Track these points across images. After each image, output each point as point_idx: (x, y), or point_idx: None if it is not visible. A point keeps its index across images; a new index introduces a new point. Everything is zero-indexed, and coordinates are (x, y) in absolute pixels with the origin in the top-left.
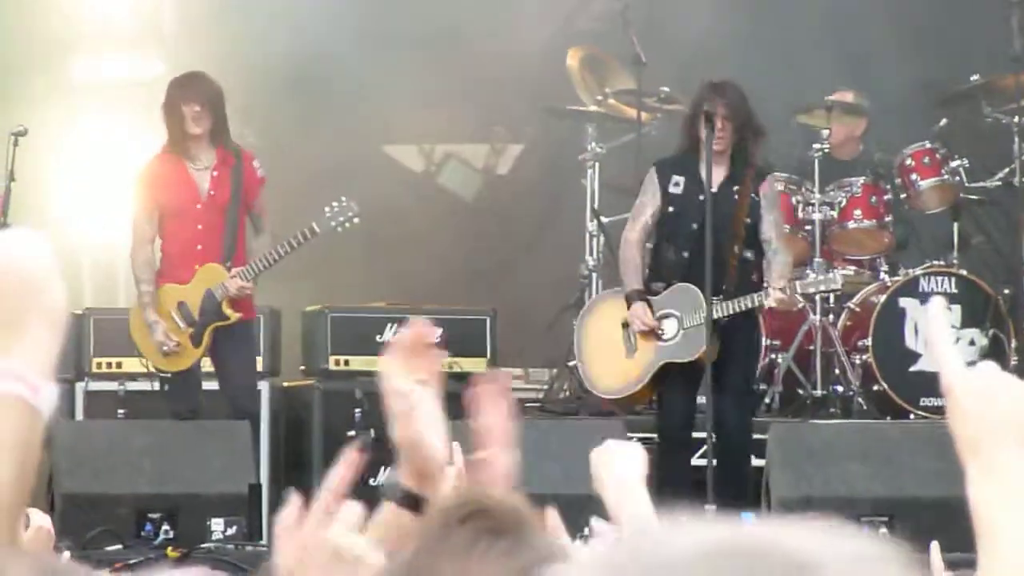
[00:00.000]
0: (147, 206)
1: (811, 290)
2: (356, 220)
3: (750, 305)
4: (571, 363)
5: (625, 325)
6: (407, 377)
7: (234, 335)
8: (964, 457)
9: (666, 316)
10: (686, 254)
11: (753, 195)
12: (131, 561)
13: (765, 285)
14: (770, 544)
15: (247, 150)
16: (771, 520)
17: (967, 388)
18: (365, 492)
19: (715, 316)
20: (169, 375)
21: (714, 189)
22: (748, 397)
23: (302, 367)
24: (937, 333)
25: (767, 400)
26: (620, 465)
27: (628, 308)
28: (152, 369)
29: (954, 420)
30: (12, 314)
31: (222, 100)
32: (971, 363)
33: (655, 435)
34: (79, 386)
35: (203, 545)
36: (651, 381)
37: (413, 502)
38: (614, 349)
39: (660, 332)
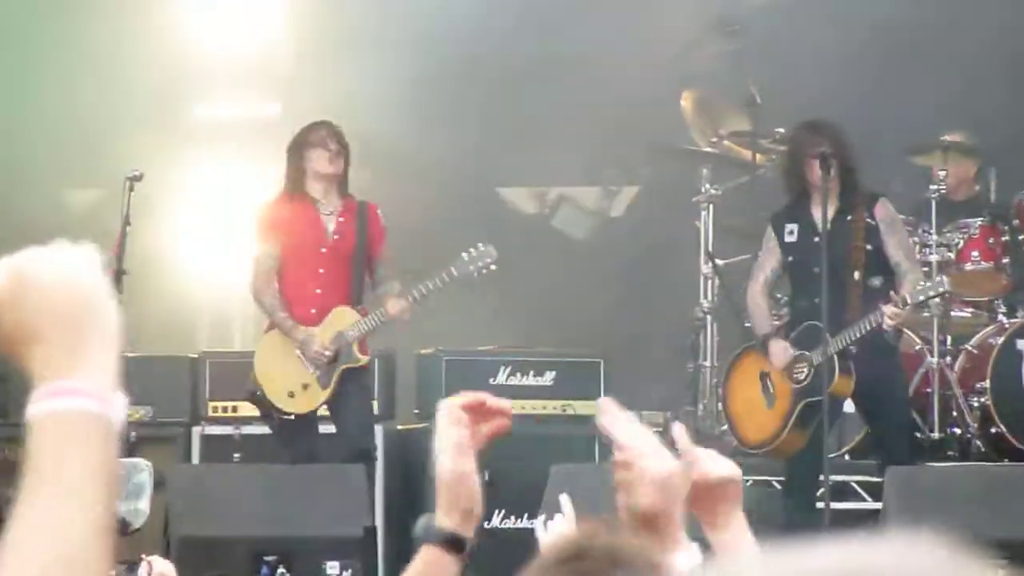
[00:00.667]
0: (270, 243)
1: (920, 297)
2: (493, 266)
3: (868, 328)
4: (722, 428)
5: (762, 377)
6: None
7: (352, 379)
8: None
9: (798, 359)
10: (817, 300)
11: (868, 220)
12: None
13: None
14: (901, 567)
15: (372, 202)
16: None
17: None
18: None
19: (838, 347)
20: (292, 416)
21: (828, 226)
22: (910, 435)
23: (416, 410)
24: None
25: None
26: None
27: (767, 352)
28: (278, 407)
29: None
30: (72, 335)
31: (349, 151)
32: None
33: (774, 478)
34: (195, 430)
35: None
36: (796, 426)
37: (454, 542)
38: (756, 404)
39: (796, 376)
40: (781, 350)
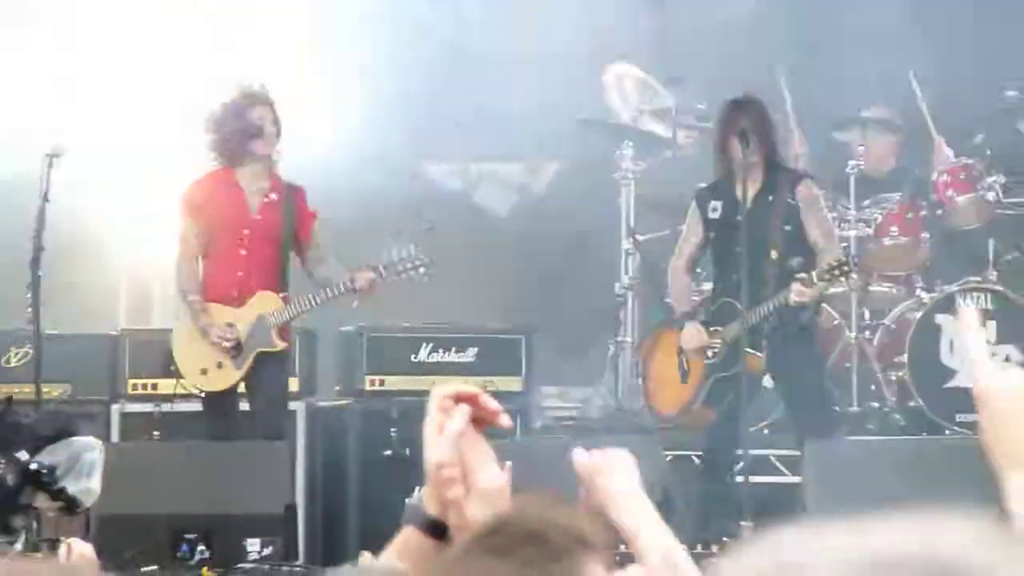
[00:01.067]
0: (189, 226)
1: (827, 277)
2: (423, 271)
3: (777, 305)
4: (640, 404)
5: (679, 352)
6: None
7: (268, 360)
8: (1000, 465)
9: (712, 335)
10: (735, 277)
11: (790, 200)
12: None
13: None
14: (932, 551)
15: (299, 185)
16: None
17: (1001, 392)
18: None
19: (749, 324)
20: (205, 395)
21: (749, 204)
22: (828, 410)
23: (337, 387)
24: (969, 340)
25: None
26: (619, 477)
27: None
28: (192, 389)
29: (988, 426)
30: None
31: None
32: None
33: (692, 452)
34: (114, 408)
35: (239, 565)
36: (707, 401)
37: (436, 529)
38: (671, 379)
39: (709, 351)
40: (694, 333)
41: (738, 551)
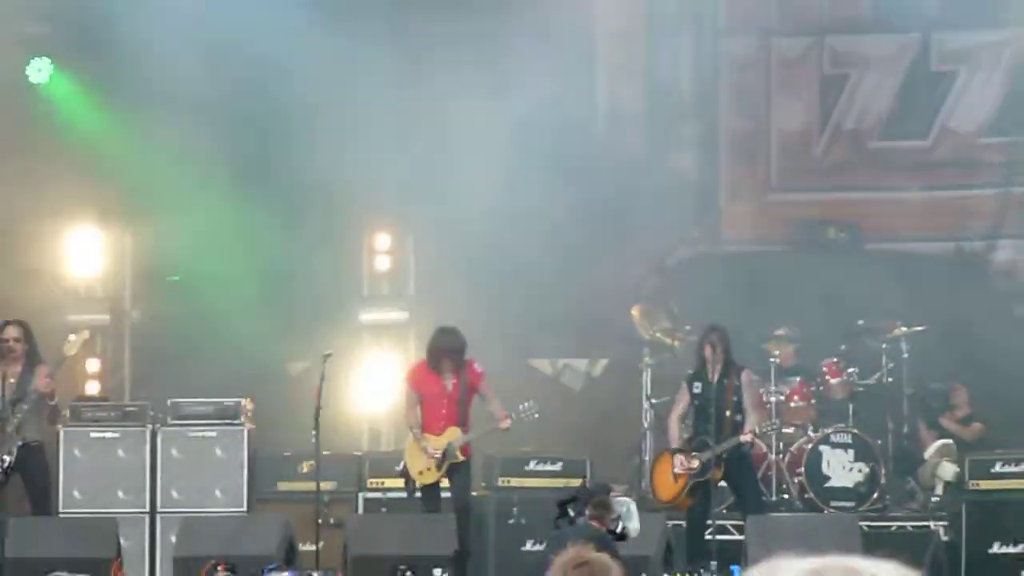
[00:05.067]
0: (411, 393)
1: (760, 430)
2: (536, 416)
3: (736, 442)
4: (650, 495)
5: (672, 468)
6: None
7: (457, 467)
8: None
9: (692, 458)
10: (709, 426)
11: (736, 383)
12: None
13: (743, 432)
14: (852, 565)
15: (470, 358)
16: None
17: None
18: None
19: (716, 453)
20: (422, 487)
21: (714, 384)
22: (760, 499)
23: (483, 484)
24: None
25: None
26: None
27: (674, 456)
28: (413, 479)
29: None
30: None
31: (463, 349)
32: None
33: (681, 522)
34: (360, 495)
35: None
36: (688, 495)
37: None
38: (667, 480)
39: (690, 468)
40: (680, 461)
41: None
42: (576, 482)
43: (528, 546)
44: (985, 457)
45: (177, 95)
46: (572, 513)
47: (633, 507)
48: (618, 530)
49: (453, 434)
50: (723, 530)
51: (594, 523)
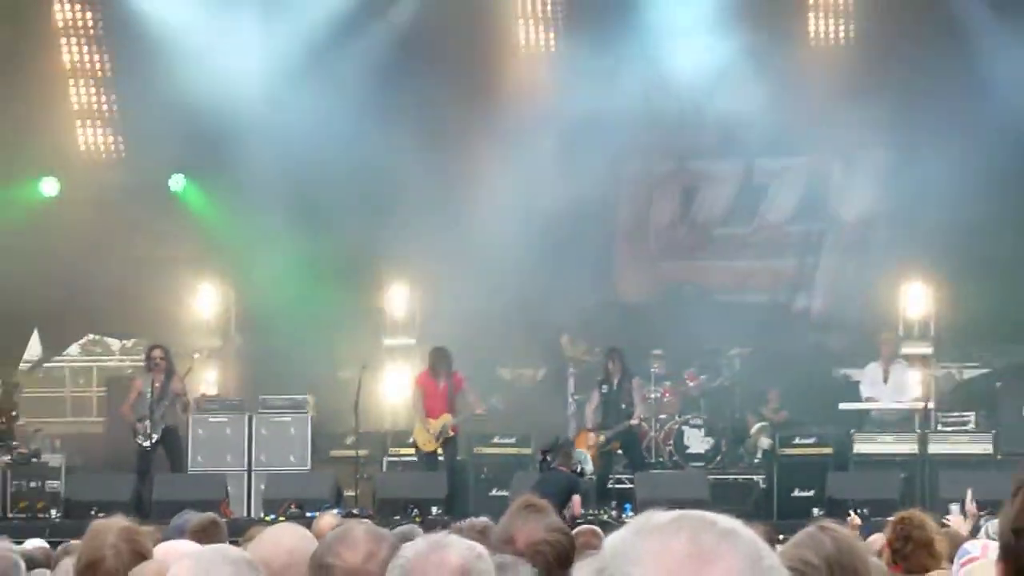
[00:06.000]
0: (417, 391)
1: (645, 416)
2: (500, 407)
3: (628, 425)
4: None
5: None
6: None
7: (449, 441)
8: None
9: (599, 435)
10: (611, 414)
11: (629, 385)
12: None
13: (633, 418)
14: (702, 514)
15: (457, 371)
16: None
17: None
18: None
19: (617, 431)
20: (425, 454)
21: (615, 387)
22: (644, 461)
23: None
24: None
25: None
26: None
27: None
28: (420, 448)
29: None
30: None
31: (451, 361)
32: (708, 451)
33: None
34: (384, 459)
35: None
36: (597, 459)
37: None
38: (584, 449)
39: (599, 442)
40: (591, 436)
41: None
42: (526, 451)
43: (494, 492)
44: (788, 434)
45: (266, 189)
46: (550, 460)
47: (588, 457)
48: (579, 471)
49: (446, 419)
50: (619, 482)
51: (562, 468)
